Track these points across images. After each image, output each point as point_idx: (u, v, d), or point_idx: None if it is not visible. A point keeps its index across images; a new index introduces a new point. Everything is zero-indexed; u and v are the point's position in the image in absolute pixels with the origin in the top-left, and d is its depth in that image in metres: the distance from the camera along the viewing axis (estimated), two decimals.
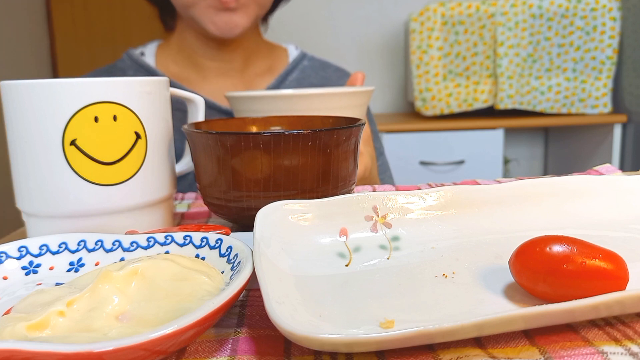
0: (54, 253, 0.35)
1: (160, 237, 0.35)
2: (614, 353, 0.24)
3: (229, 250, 0.32)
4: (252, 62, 0.86)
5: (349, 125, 0.41)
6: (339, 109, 0.56)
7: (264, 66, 0.87)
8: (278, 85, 0.85)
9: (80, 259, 0.35)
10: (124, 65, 0.84)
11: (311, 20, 2.26)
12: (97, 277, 0.28)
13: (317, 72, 0.89)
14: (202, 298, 0.27)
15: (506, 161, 2.19)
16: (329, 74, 0.89)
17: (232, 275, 0.30)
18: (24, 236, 0.46)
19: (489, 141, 1.87)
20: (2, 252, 0.34)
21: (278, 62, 0.89)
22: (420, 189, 0.46)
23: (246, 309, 0.30)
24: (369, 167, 0.65)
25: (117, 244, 0.35)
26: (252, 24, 0.79)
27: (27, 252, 0.34)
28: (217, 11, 0.74)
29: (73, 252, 0.35)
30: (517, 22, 1.88)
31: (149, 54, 0.86)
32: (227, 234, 0.36)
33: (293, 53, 0.90)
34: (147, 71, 0.82)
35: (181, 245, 0.34)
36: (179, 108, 0.75)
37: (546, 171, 2.36)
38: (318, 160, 0.40)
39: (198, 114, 0.50)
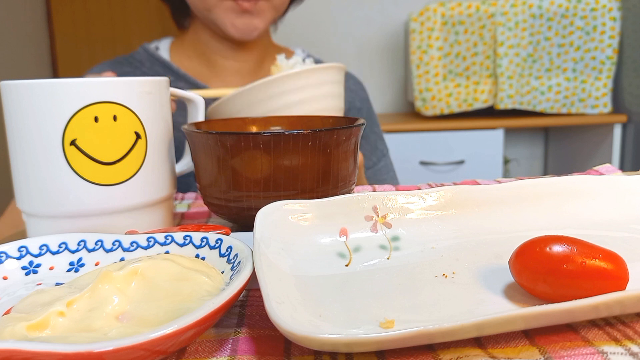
0: (54, 253, 0.35)
1: (160, 237, 0.35)
2: (614, 353, 0.24)
3: (229, 250, 0.32)
4: (264, 64, 0.88)
5: (349, 125, 0.41)
6: (312, 87, 0.58)
7: None
8: None
9: (80, 259, 0.35)
10: (141, 57, 0.86)
11: (311, 21, 2.26)
12: (97, 277, 0.28)
13: None
14: (202, 298, 0.27)
15: (506, 161, 2.19)
16: None
17: (232, 275, 0.30)
18: (24, 236, 0.46)
19: (489, 141, 1.87)
20: (2, 252, 0.34)
21: None
22: (420, 189, 0.46)
23: (246, 309, 0.30)
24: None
25: (117, 244, 0.35)
26: (268, 26, 0.81)
27: (27, 252, 0.34)
28: (236, 14, 0.76)
29: (73, 252, 0.35)
30: (517, 22, 1.87)
31: (163, 48, 0.88)
32: (227, 234, 0.36)
33: (300, 56, 0.91)
34: (163, 64, 0.84)
35: (181, 245, 0.34)
36: (178, 108, 0.75)
37: (546, 171, 2.36)
38: (318, 160, 0.40)
39: (198, 114, 0.50)
